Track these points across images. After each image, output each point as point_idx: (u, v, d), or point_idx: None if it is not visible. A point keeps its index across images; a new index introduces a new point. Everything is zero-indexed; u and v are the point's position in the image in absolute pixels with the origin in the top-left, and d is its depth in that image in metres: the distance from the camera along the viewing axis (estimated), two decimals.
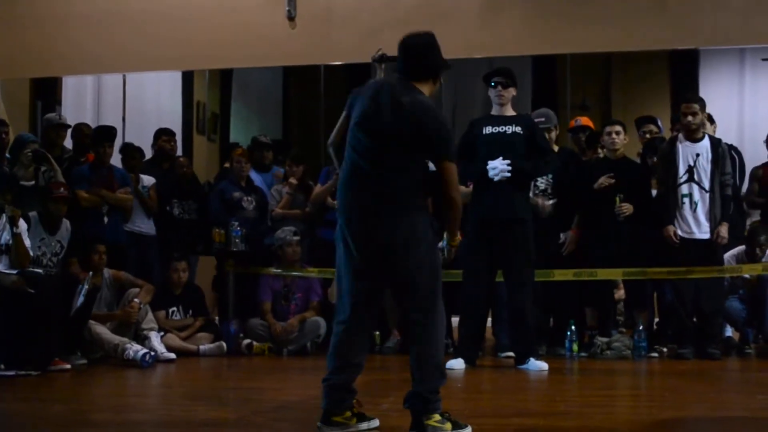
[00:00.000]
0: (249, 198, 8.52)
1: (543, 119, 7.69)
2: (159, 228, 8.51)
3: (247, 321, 8.12)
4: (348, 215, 4.05)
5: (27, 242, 6.91)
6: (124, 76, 10.85)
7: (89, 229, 7.77)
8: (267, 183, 8.93)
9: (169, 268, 8.02)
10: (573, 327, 7.48)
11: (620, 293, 8.31)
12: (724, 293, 7.68)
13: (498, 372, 6.77)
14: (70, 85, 10.84)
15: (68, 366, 6.67)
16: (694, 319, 7.44)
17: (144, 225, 8.40)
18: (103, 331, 7.19)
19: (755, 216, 8.43)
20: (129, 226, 8.25)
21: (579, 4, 9.01)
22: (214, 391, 6.01)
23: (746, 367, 7.26)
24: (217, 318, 8.57)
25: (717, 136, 7.88)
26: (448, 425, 3.91)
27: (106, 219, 7.99)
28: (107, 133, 8.38)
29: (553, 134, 7.79)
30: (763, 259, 7.55)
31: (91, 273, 7.26)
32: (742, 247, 7.69)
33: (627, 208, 7.52)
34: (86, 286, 7.03)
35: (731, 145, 8.17)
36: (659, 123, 8.38)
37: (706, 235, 7.31)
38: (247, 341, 7.91)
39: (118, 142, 8.80)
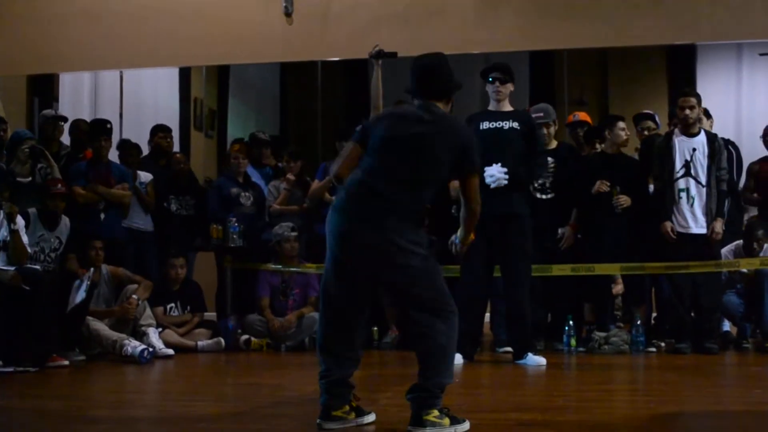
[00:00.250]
0: (247, 194, 8.52)
1: (541, 114, 7.69)
2: (156, 224, 8.51)
3: (245, 317, 8.13)
4: (346, 236, 4.04)
5: (24, 239, 6.91)
6: (121, 73, 10.85)
7: (86, 225, 7.77)
8: (264, 179, 8.92)
9: (166, 264, 8.03)
10: (571, 322, 7.48)
11: (618, 288, 8.32)
12: (722, 288, 7.70)
13: (496, 367, 6.77)
14: (67, 81, 10.83)
15: (66, 362, 6.67)
16: (692, 314, 7.45)
17: (142, 221, 8.40)
18: (101, 327, 7.19)
19: (753, 211, 8.45)
20: (127, 222, 8.25)
21: None
22: (212, 386, 6.01)
23: (744, 361, 7.26)
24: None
25: (714, 131, 7.89)
26: (447, 420, 3.91)
27: (102, 215, 7.99)
28: (102, 126, 8.38)
29: (552, 129, 7.79)
30: (761, 254, 7.55)
31: (92, 269, 7.26)
32: (739, 242, 7.70)
33: (624, 200, 7.54)
34: (87, 282, 7.03)
35: (728, 140, 8.18)
36: (657, 119, 8.38)
37: (703, 230, 7.32)
38: (245, 337, 7.92)
39: (115, 139, 8.81)
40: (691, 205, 7.33)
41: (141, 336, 7.30)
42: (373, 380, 6.30)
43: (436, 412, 3.90)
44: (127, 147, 8.82)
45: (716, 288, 7.52)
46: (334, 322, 4.13)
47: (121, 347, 7.01)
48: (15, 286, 6.49)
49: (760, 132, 8.42)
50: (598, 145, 8.08)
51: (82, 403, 5.19)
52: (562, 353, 7.39)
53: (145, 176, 8.47)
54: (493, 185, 6.60)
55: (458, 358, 6.51)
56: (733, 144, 8.43)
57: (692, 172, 7.35)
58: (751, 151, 8.69)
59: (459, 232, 4.51)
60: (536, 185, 7.53)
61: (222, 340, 7.79)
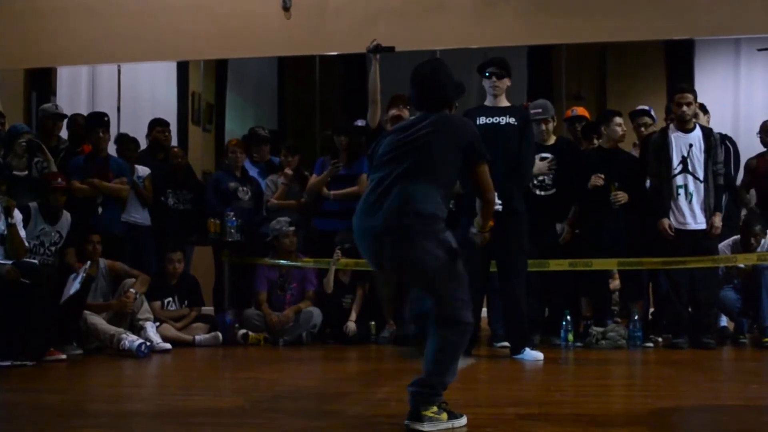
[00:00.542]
0: (244, 188, 8.51)
1: (540, 110, 7.69)
2: (154, 218, 8.51)
3: (242, 311, 8.13)
4: (361, 247, 4.11)
5: (22, 233, 6.90)
6: (118, 67, 10.83)
7: (84, 219, 7.77)
8: (262, 174, 8.92)
9: (164, 258, 8.03)
10: (568, 317, 7.48)
11: (615, 283, 8.33)
12: (719, 283, 7.70)
13: (493, 362, 6.77)
14: (64, 75, 10.82)
15: (64, 356, 6.67)
16: (689, 309, 7.46)
17: (139, 215, 8.40)
18: (98, 321, 7.19)
19: (751, 201, 8.46)
20: (124, 216, 8.24)
21: None
22: (210, 381, 6.01)
23: (740, 356, 7.27)
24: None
25: (712, 126, 7.89)
26: (444, 415, 3.92)
27: (100, 210, 7.98)
28: (99, 119, 8.36)
29: (551, 125, 7.80)
30: (758, 249, 7.56)
31: (89, 262, 7.26)
32: (736, 237, 7.70)
33: (622, 196, 7.55)
34: (82, 275, 7.03)
35: (725, 135, 8.19)
36: (653, 113, 8.39)
37: (702, 226, 7.32)
38: (242, 331, 7.92)
39: (112, 133, 8.78)
40: (690, 201, 7.34)
41: (138, 330, 7.30)
42: (370, 375, 6.31)
43: (434, 408, 3.91)
44: (125, 141, 8.81)
45: (713, 283, 7.53)
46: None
47: (119, 341, 7.00)
48: (12, 280, 6.48)
49: (758, 127, 8.43)
50: (595, 140, 8.08)
51: (79, 397, 5.20)
52: (559, 348, 7.39)
53: (142, 170, 8.46)
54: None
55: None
56: (730, 139, 8.44)
57: (689, 168, 7.35)
58: (748, 147, 8.70)
59: (476, 222, 4.61)
60: (536, 182, 7.53)
61: (219, 335, 7.78)
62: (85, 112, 9.45)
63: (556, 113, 8.03)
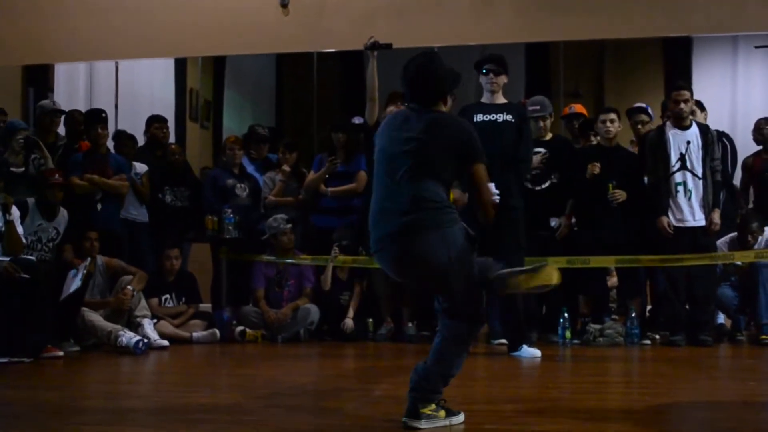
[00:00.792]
0: (242, 185, 8.51)
1: (538, 107, 7.71)
2: (152, 215, 8.50)
3: (240, 308, 8.13)
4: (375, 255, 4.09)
5: (20, 229, 6.90)
6: (116, 63, 10.82)
7: (83, 216, 7.77)
8: (259, 170, 8.92)
9: (161, 255, 8.03)
10: (566, 314, 7.49)
11: (613, 280, 8.33)
12: (717, 281, 7.70)
13: (491, 359, 6.78)
14: (62, 72, 10.80)
15: (61, 353, 6.68)
16: (687, 307, 7.46)
17: (137, 212, 8.40)
18: (96, 318, 7.19)
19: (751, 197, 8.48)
20: (122, 213, 8.24)
21: None
22: (207, 378, 6.01)
23: (738, 354, 7.29)
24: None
25: (709, 123, 7.90)
26: (442, 413, 3.92)
27: (99, 206, 7.97)
28: (98, 115, 8.36)
29: (548, 122, 7.80)
30: (755, 246, 7.57)
31: (89, 259, 7.25)
32: (734, 235, 7.71)
33: (620, 195, 7.55)
34: (83, 271, 7.03)
35: (722, 133, 8.19)
36: (650, 111, 8.39)
37: (701, 222, 7.33)
38: (240, 328, 7.92)
39: (110, 130, 8.77)
40: (689, 199, 7.34)
41: (136, 327, 7.30)
42: (368, 372, 6.32)
43: (432, 405, 3.91)
44: (123, 138, 8.81)
45: (711, 280, 7.54)
46: None
47: (116, 338, 7.00)
48: (10, 276, 6.47)
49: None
50: (593, 138, 8.08)
51: (76, 394, 5.20)
52: (557, 345, 7.40)
53: (140, 167, 8.46)
54: None
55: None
56: (727, 136, 8.44)
57: (688, 165, 7.36)
58: (746, 144, 8.70)
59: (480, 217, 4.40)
60: (528, 176, 7.54)
61: (217, 332, 7.79)
62: (82, 109, 9.44)
63: (554, 110, 8.04)
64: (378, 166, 4.09)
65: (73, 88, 10.84)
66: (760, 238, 7.61)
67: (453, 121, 4.10)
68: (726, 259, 7.57)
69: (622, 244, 7.51)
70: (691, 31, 9.63)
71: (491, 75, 6.84)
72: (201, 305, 8.21)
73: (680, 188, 7.36)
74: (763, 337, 7.36)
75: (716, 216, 7.33)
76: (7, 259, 6.62)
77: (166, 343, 7.32)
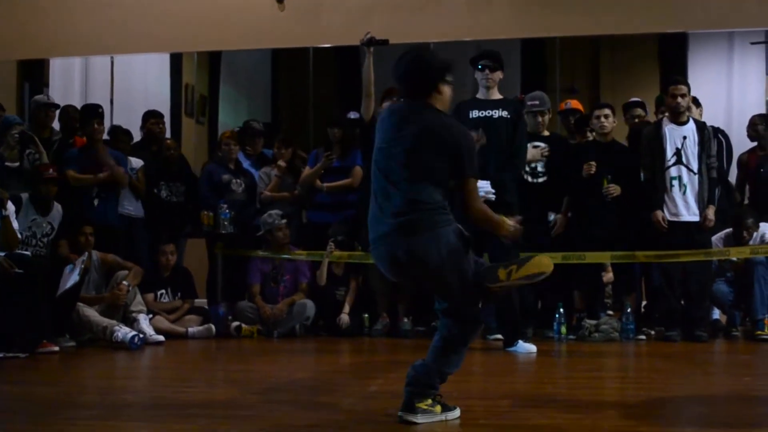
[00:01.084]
0: (238, 180, 8.51)
1: (537, 102, 7.71)
2: (147, 210, 8.50)
3: (235, 303, 8.13)
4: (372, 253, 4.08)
5: (15, 224, 6.89)
6: (112, 58, 10.80)
7: (80, 211, 7.76)
8: (254, 166, 8.91)
9: (157, 250, 8.02)
10: (561, 309, 7.50)
11: (608, 276, 8.33)
12: (712, 276, 7.72)
13: (487, 354, 6.78)
14: (57, 66, 10.78)
15: (56, 348, 6.66)
16: (682, 302, 7.48)
17: (132, 207, 8.39)
18: (91, 313, 7.18)
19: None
20: (118, 209, 8.23)
21: None
22: (203, 373, 6.01)
23: (733, 349, 7.29)
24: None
25: (705, 119, 7.91)
26: (438, 408, 3.92)
27: (96, 201, 7.97)
28: (94, 110, 8.34)
29: (546, 117, 7.81)
30: (751, 242, 7.58)
31: (86, 254, 7.25)
32: (729, 230, 7.72)
33: (614, 189, 7.55)
34: (81, 266, 7.02)
35: (718, 129, 8.20)
36: (646, 107, 8.40)
37: (695, 218, 7.35)
38: (235, 323, 7.91)
39: (106, 125, 8.76)
40: (684, 193, 7.36)
41: (131, 322, 7.29)
42: (363, 367, 6.32)
43: (428, 400, 3.91)
44: (118, 133, 8.80)
45: (706, 276, 7.55)
46: None
47: (112, 333, 7.00)
48: (6, 271, 6.46)
49: None
50: (589, 134, 8.08)
51: (71, 389, 5.19)
52: (552, 341, 7.41)
53: (135, 162, 8.45)
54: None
55: None
56: (722, 132, 8.45)
57: (683, 160, 7.37)
58: (741, 140, 8.71)
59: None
60: (527, 169, 7.55)
61: (212, 327, 7.78)
62: (78, 104, 9.43)
63: (550, 104, 8.03)
64: (375, 165, 4.08)
65: (68, 82, 10.82)
66: (755, 234, 7.62)
67: (447, 131, 3.98)
68: (721, 255, 7.58)
69: (618, 240, 7.51)
70: (687, 27, 9.64)
71: (487, 71, 6.84)
72: (196, 300, 8.20)
73: (675, 182, 7.37)
74: (758, 332, 7.37)
75: (711, 212, 7.34)
76: (3, 254, 6.61)
77: (161, 338, 7.32)
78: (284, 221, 8.08)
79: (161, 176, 8.63)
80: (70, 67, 10.89)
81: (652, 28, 9.53)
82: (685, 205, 7.36)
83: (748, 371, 6.01)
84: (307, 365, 6.61)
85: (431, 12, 9.51)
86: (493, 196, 6.47)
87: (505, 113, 6.79)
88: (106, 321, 7.13)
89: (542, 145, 7.65)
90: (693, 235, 7.36)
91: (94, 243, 7.52)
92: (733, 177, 8.57)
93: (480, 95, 6.94)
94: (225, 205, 8.27)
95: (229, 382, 5.45)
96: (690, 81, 7.75)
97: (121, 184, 8.07)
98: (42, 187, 7.36)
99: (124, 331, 6.98)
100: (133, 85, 11.19)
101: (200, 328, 7.76)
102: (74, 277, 6.98)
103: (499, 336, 7.03)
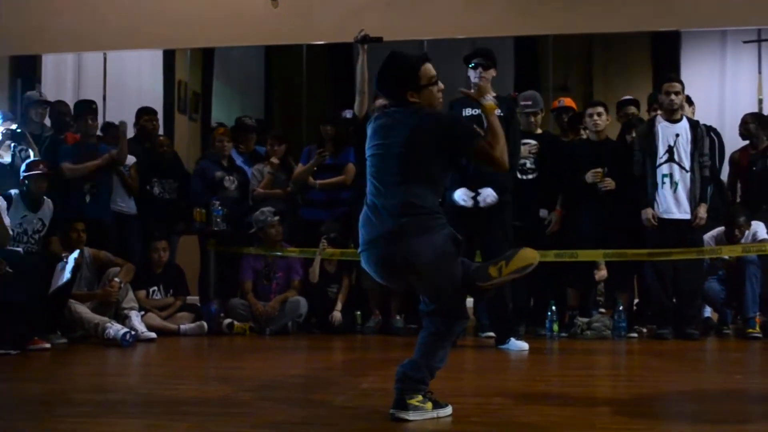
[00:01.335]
0: (231, 177, 8.50)
1: (530, 102, 7.71)
2: (139, 207, 8.48)
3: (228, 300, 8.12)
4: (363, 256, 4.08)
5: (6, 221, 6.86)
6: (104, 54, 10.79)
7: (72, 207, 7.75)
8: (247, 163, 8.90)
9: (149, 247, 8.01)
10: (554, 307, 7.51)
11: (601, 274, 8.35)
12: (704, 274, 7.74)
13: (479, 352, 6.79)
14: (50, 63, 10.76)
15: (48, 345, 6.65)
16: (674, 300, 7.49)
17: (125, 204, 8.37)
18: (83, 310, 7.16)
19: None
20: (110, 204, 8.22)
21: None
22: (195, 370, 6.00)
23: (724, 347, 7.31)
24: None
25: (697, 118, 7.92)
26: (429, 405, 3.92)
27: (88, 197, 7.95)
28: (87, 106, 8.33)
29: (539, 117, 7.82)
30: (742, 241, 7.59)
31: (78, 251, 7.23)
32: (721, 229, 7.73)
33: (609, 183, 7.55)
34: (73, 263, 7.00)
35: (710, 127, 8.22)
36: (639, 105, 8.41)
37: (686, 215, 7.36)
38: (228, 321, 7.90)
39: (98, 121, 8.74)
40: (675, 191, 7.37)
41: (123, 319, 7.28)
42: (356, 364, 6.32)
43: (420, 397, 3.91)
44: (111, 129, 8.78)
45: (698, 274, 7.57)
46: None
47: (103, 330, 6.98)
48: None
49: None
50: (582, 132, 8.09)
51: (63, 386, 5.18)
52: (544, 338, 7.42)
53: (128, 159, 8.43)
54: (482, 204, 6.63)
55: None
56: (715, 131, 8.47)
57: (675, 157, 7.38)
58: (733, 139, 8.72)
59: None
60: (518, 166, 7.56)
61: (205, 324, 7.77)
62: (70, 100, 9.42)
63: (543, 104, 8.05)
64: (368, 170, 4.10)
65: (60, 79, 10.80)
66: (747, 232, 7.63)
67: (432, 121, 3.99)
68: (713, 253, 7.60)
69: (610, 238, 7.52)
70: (680, 26, 9.65)
71: (480, 69, 6.83)
72: (189, 297, 8.19)
73: (666, 180, 7.39)
74: (750, 330, 7.39)
75: (702, 210, 7.35)
76: None
77: (153, 335, 7.30)
78: (276, 218, 8.08)
79: (154, 173, 8.61)
80: (62, 63, 10.87)
81: (645, 26, 9.54)
82: (675, 202, 7.38)
83: (739, 369, 6.03)
84: (299, 362, 6.61)
85: (425, 9, 9.51)
86: (496, 198, 6.53)
87: (498, 111, 6.77)
88: (97, 318, 7.11)
89: (532, 142, 7.66)
90: (684, 233, 7.38)
91: (86, 239, 7.51)
92: (725, 175, 8.59)
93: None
94: (218, 202, 8.26)
95: (221, 379, 5.44)
96: (683, 79, 7.76)
97: (121, 161, 8.07)
98: (32, 183, 7.33)
99: (115, 328, 6.97)
100: (125, 82, 11.18)
101: (192, 325, 7.75)
102: (66, 275, 6.96)
103: (492, 333, 7.04)
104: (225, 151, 8.56)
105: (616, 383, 5.48)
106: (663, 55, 10.95)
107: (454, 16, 9.50)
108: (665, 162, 7.39)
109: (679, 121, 7.44)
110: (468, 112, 6.76)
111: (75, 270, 7.10)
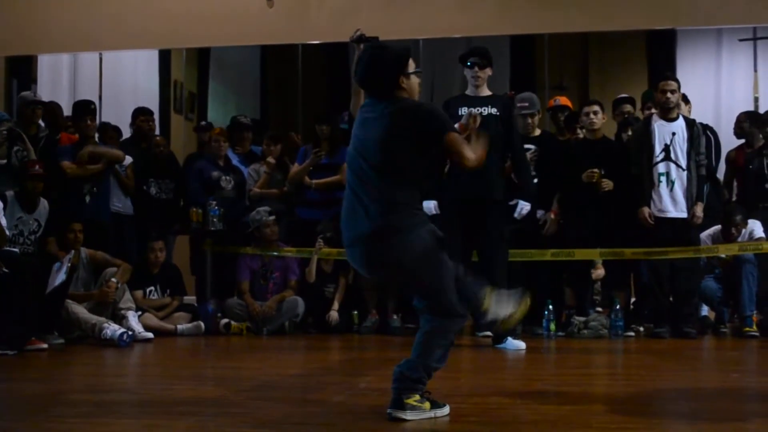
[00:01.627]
0: (227, 177, 8.50)
1: (527, 104, 7.70)
2: (136, 207, 8.48)
3: (224, 300, 8.12)
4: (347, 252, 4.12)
5: (3, 221, 6.85)
6: (100, 55, 10.77)
7: (71, 207, 7.74)
8: (243, 162, 8.90)
9: (146, 247, 8.00)
10: (551, 306, 7.51)
11: (598, 273, 8.35)
12: (700, 273, 7.74)
13: (476, 351, 6.79)
14: (45, 63, 10.74)
15: (45, 345, 6.64)
16: (670, 299, 7.50)
17: (121, 204, 8.36)
18: (80, 310, 7.16)
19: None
20: (109, 204, 8.22)
21: None
22: (192, 370, 6.00)
23: (721, 346, 7.32)
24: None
25: (693, 116, 7.93)
26: (427, 404, 3.92)
27: (88, 198, 7.95)
28: (86, 106, 8.32)
29: (536, 119, 7.81)
30: (739, 239, 7.60)
31: (73, 251, 7.22)
32: (718, 227, 7.74)
33: (607, 184, 7.56)
34: (68, 264, 7.00)
35: (706, 125, 8.23)
36: (635, 103, 8.42)
37: (683, 214, 7.37)
38: (224, 321, 7.91)
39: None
40: (671, 189, 7.38)
41: (120, 319, 7.28)
42: (353, 364, 6.32)
43: (417, 397, 3.90)
44: (107, 130, 8.78)
45: (694, 273, 7.57)
46: None
47: (100, 330, 6.98)
48: None
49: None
50: (579, 131, 8.10)
51: (60, 387, 5.17)
52: (541, 337, 7.42)
53: (125, 159, 8.42)
54: (517, 216, 6.86)
55: None
56: (711, 129, 8.48)
57: (672, 155, 7.39)
58: (729, 137, 8.74)
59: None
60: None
61: (202, 324, 7.77)
62: (66, 101, 9.42)
63: (540, 104, 8.04)
64: (348, 167, 4.11)
65: (56, 79, 10.79)
66: (743, 230, 7.64)
67: (407, 113, 3.98)
68: (710, 252, 7.60)
69: (607, 237, 7.52)
70: (676, 24, 9.66)
71: (476, 68, 6.83)
72: (185, 297, 8.19)
73: (663, 179, 7.39)
74: (746, 329, 7.41)
75: (699, 209, 7.36)
76: None
77: (150, 335, 7.30)
78: (272, 218, 8.08)
79: (150, 173, 8.61)
80: (58, 63, 10.86)
81: (641, 24, 9.55)
82: (672, 201, 7.39)
83: (736, 367, 6.04)
84: (296, 362, 6.61)
85: (421, 9, 9.51)
86: (529, 207, 6.84)
87: (494, 110, 6.79)
88: (95, 318, 7.11)
89: (532, 147, 7.66)
90: (681, 231, 7.38)
91: (85, 240, 7.51)
92: (721, 174, 8.60)
93: (469, 92, 6.94)
94: (214, 202, 8.26)
95: (218, 380, 5.44)
96: (678, 78, 7.77)
97: (120, 160, 8.10)
98: (28, 184, 7.33)
99: (112, 329, 6.96)
100: (121, 82, 11.17)
101: (189, 325, 7.75)
102: (61, 276, 6.95)
103: (489, 333, 7.04)
104: (221, 151, 8.56)
105: (613, 382, 5.49)
106: (659, 54, 10.94)
107: (449, 14, 9.50)
108: (662, 161, 7.40)
109: (675, 119, 7.45)
110: (463, 111, 6.73)
111: (70, 271, 7.09)
